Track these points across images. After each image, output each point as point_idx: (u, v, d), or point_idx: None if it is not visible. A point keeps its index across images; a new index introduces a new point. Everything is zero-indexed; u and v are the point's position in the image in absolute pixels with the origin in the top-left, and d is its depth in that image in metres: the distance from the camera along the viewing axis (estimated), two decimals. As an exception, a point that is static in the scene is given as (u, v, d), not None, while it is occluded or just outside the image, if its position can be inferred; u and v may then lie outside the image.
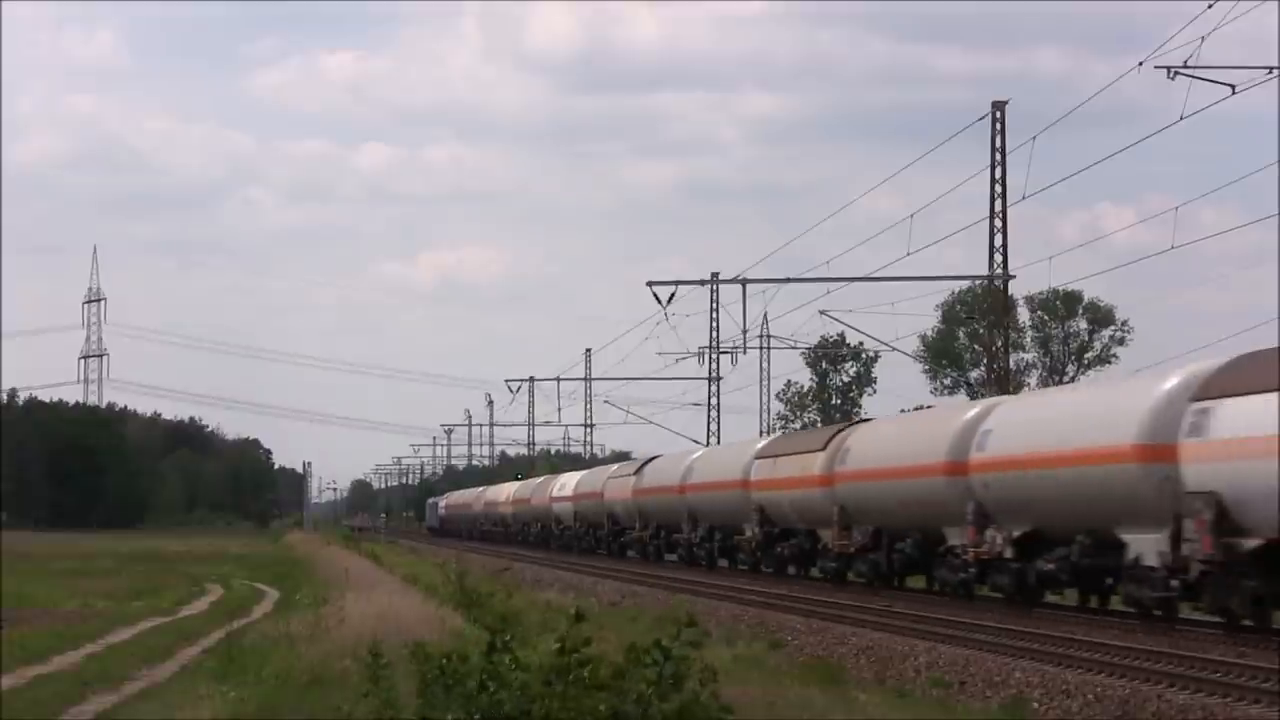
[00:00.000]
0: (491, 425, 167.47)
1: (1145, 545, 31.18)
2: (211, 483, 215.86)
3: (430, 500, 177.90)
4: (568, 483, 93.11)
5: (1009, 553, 36.49)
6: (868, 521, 45.48)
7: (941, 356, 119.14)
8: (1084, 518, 33.72)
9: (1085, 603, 36.31)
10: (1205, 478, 28.81)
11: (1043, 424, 36.03)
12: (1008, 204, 58.40)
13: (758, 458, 55.55)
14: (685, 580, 53.15)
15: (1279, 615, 29.81)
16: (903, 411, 71.62)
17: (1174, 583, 30.25)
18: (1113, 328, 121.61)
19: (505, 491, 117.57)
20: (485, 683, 11.52)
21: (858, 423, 52.07)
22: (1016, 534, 36.32)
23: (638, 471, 74.57)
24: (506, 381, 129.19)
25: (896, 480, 42.85)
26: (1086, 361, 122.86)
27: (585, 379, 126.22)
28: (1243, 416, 27.99)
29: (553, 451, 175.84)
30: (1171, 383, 31.48)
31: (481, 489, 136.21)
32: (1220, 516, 28.56)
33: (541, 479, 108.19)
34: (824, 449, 48.76)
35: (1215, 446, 28.61)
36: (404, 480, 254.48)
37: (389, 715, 12.04)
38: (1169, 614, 31.38)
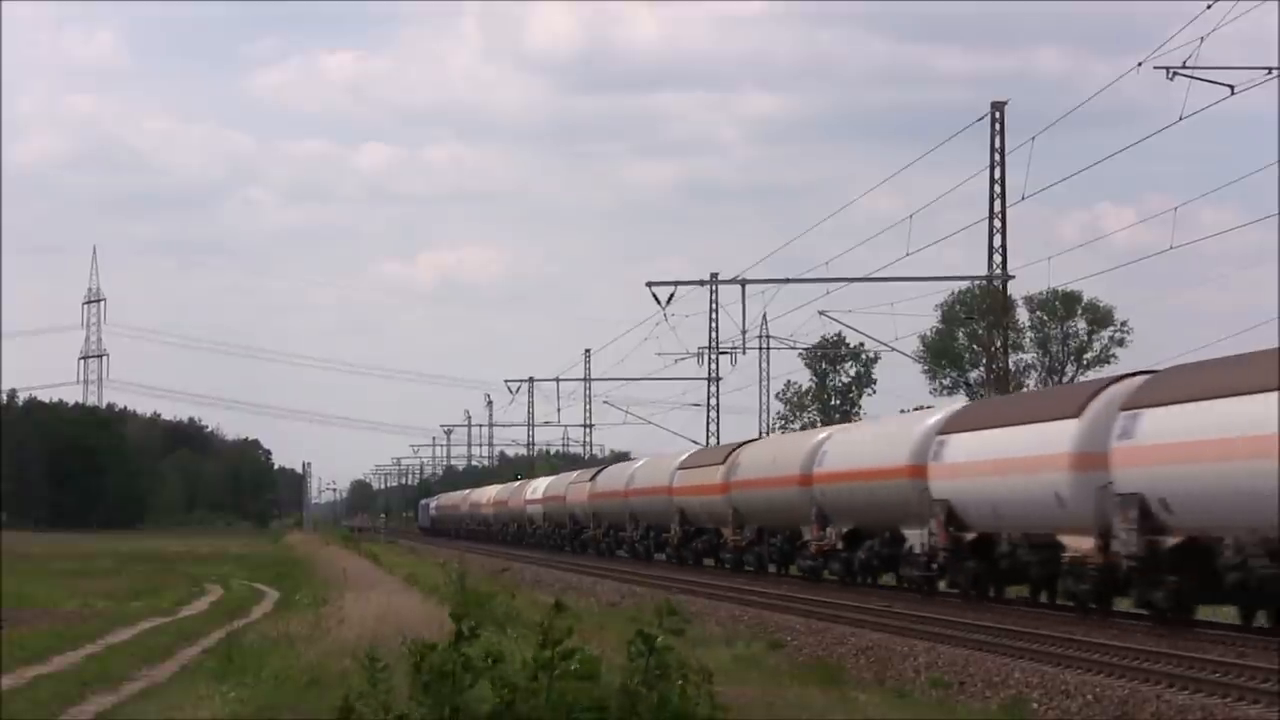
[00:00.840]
0: (491, 426, 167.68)
1: (915, 538, 41.48)
2: (211, 483, 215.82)
3: (422, 501, 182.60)
4: (539, 487, 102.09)
5: (840, 545, 47.16)
6: (753, 521, 56.21)
7: (941, 357, 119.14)
8: (881, 518, 44.25)
9: (901, 584, 44.59)
10: (942, 490, 39.42)
11: (857, 447, 47.00)
12: (1007, 204, 58.42)
13: (679, 468, 65.95)
14: (684, 580, 53.26)
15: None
16: (902, 412, 71.98)
17: (933, 565, 40.61)
18: (1112, 328, 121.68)
19: (487, 494, 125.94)
20: (456, 673, 11.38)
21: (748, 442, 62.55)
22: (845, 530, 47.04)
23: (593, 478, 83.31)
24: (506, 382, 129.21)
25: (768, 489, 53.28)
26: (1086, 362, 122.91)
27: (585, 379, 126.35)
28: (961, 447, 38.94)
29: (552, 452, 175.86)
30: (931, 420, 42.47)
31: (467, 492, 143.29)
32: (950, 517, 39.08)
33: (519, 483, 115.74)
34: (723, 463, 58.94)
35: (947, 467, 39.33)
36: (403, 481, 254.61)
37: (383, 716, 11.97)
38: (931, 589, 41.51)
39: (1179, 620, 31.00)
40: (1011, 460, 35.92)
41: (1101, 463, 32.05)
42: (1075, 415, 33.79)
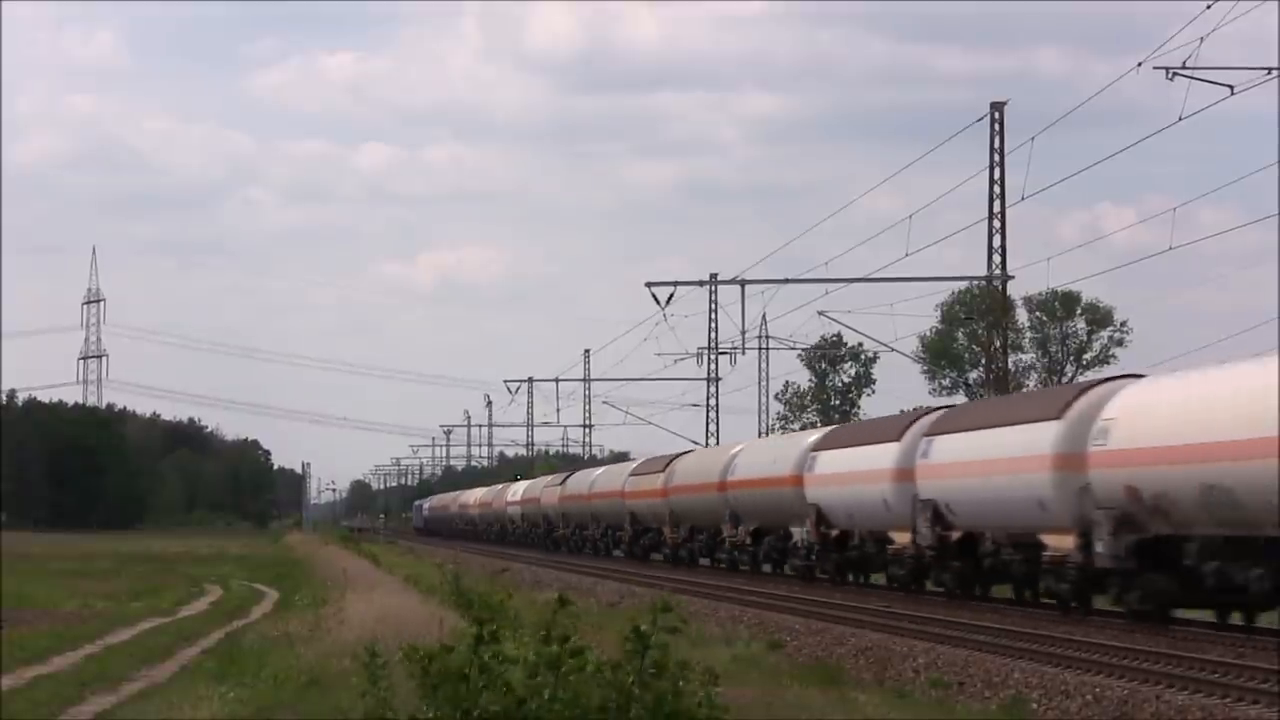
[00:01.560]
0: (490, 426, 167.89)
1: (798, 534, 51.04)
2: (211, 483, 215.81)
3: (416, 503, 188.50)
4: (518, 490, 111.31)
5: (748, 540, 56.71)
6: (686, 521, 65.91)
7: (940, 357, 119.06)
8: (775, 518, 53.83)
9: (803, 576, 51.51)
10: (814, 495, 49.10)
11: (757, 459, 56.22)
12: (1007, 204, 58.40)
13: (630, 475, 75.12)
14: (683, 580, 53.31)
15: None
16: (902, 412, 72.67)
17: (810, 557, 50.07)
18: (1111, 328, 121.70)
19: (474, 496, 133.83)
20: (471, 676, 11.36)
21: (684, 453, 71.70)
22: (751, 528, 56.42)
23: (562, 483, 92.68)
24: (505, 382, 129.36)
25: (697, 494, 63.12)
26: (1085, 362, 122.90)
27: (584, 380, 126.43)
28: (825, 462, 48.56)
29: (551, 452, 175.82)
30: (811, 439, 52.65)
31: (456, 494, 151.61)
32: (820, 518, 48.74)
33: (501, 486, 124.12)
34: (663, 471, 68.63)
35: (817, 478, 48.79)
36: (403, 481, 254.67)
37: (386, 715, 11.95)
38: (810, 577, 49.82)
39: (966, 597, 40.13)
40: (856, 473, 45.98)
41: (912, 476, 41.55)
42: (896, 439, 43.73)
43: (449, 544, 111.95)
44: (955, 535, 39.79)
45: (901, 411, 57.98)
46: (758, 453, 57.79)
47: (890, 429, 45.45)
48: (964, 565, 39.84)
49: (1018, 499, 35.83)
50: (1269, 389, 27.83)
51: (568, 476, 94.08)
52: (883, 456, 44.05)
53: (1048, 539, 34.94)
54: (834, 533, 48.11)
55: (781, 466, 52.24)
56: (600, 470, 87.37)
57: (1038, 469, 34.78)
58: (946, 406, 47.33)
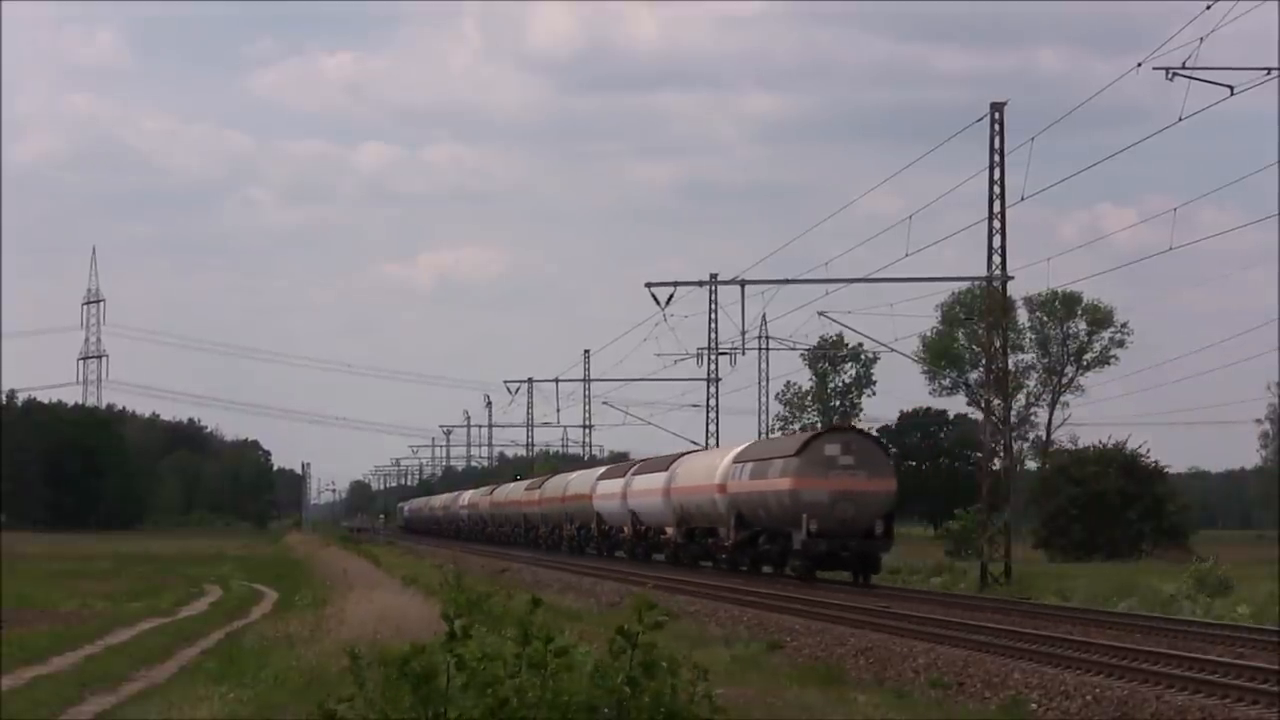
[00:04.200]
0: (490, 426, 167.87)
1: (593, 528, 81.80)
2: (210, 484, 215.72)
3: (400, 504, 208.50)
4: (465, 497, 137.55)
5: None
6: (550, 522, 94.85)
7: (940, 357, 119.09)
8: (582, 519, 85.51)
9: (599, 553, 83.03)
10: (596, 506, 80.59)
11: (577, 481, 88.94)
12: (1006, 204, 58.35)
13: (524, 489, 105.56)
14: (683, 580, 53.25)
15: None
16: (903, 413, 73.04)
17: (600, 541, 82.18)
18: (1111, 329, 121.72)
19: (440, 500, 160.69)
20: (448, 674, 11.26)
21: (554, 475, 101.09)
22: (576, 525, 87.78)
23: (491, 493, 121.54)
24: (505, 382, 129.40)
25: (550, 504, 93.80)
26: (1086, 363, 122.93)
27: (584, 380, 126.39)
28: (602, 487, 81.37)
29: (551, 452, 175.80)
30: (599, 471, 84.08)
31: (427, 498, 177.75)
32: (599, 519, 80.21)
33: (456, 493, 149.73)
34: (539, 488, 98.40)
35: (600, 496, 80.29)
36: (403, 481, 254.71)
37: (336, 713, 11.85)
38: (600, 554, 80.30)
39: (646, 560, 73.11)
40: (609, 494, 77.65)
41: (627, 496, 73.88)
42: (623, 476, 76.01)
43: (429, 541, 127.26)
44: (644, 528, 73.19)
45: (902, 413, 59.55)
46: (579, 477, 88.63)
47: (623, 470, 78.89)
48: (646, 544, 73.18)
49: (657, 510, 69.42)
50: (710, 460, 63.02)
51: (495, 489, 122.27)
52: (617, 485, 76.32)
53: (667, 529, 68.54)
54: (606, 526, 79.98)
55: (584, 488, 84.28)
56: (511, 485, 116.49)
57: (660, 495, 68.51)
58: (648, 459, 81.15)
